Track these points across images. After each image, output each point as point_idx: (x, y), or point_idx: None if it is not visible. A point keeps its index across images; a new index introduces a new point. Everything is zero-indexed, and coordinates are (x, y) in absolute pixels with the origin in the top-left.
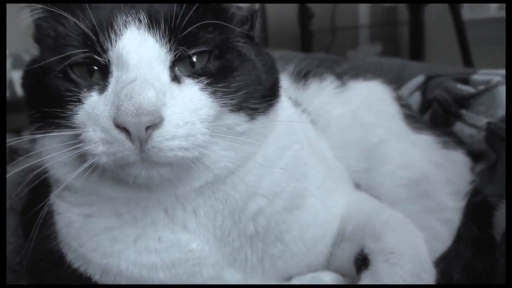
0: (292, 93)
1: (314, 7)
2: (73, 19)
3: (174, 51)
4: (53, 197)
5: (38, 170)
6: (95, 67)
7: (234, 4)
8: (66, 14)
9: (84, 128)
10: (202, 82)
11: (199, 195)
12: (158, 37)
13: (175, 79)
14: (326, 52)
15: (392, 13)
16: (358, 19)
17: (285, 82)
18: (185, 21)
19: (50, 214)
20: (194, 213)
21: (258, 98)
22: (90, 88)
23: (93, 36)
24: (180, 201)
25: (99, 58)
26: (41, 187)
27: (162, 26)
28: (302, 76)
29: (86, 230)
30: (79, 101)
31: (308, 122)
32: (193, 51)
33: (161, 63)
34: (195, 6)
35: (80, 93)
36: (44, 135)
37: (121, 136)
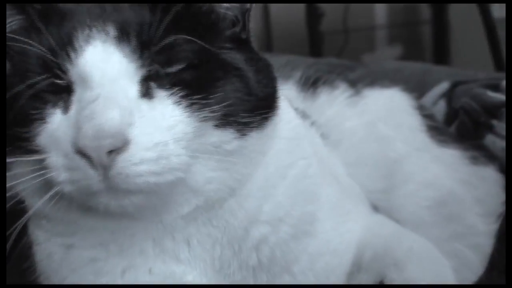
0: (299, 104)
1: (324, 5)
2: (26, 40)
3: (148, 67)
4: (31, 226)
5: (15, 199)
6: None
7: (220, 5)
8: (20, 38)
9: (48, 152)
10: (176, 95)
11: (190, 223)
12: (127, 51)
13: (146, 94)
14: (338, 57)
15: (413, 12)
16: (375, 18)
17: (291, 91)
18: (158, 32)
19: (28, 245)
20: (186, 243)
21: (249, 111)
22: (55, 105)
23: (50, 57)
24: (168, 230)
25: (59, 82)
26: (15, 216)
27: (132, 38)
28: (311, 84)
29: (68, 262)
30: (43, 119)
31: (317, 135)
32: (169, 70)
33: (129, 77)
34: (172, 11)
35: (44, 109)
36: (12, 160)
37: (82, 163)
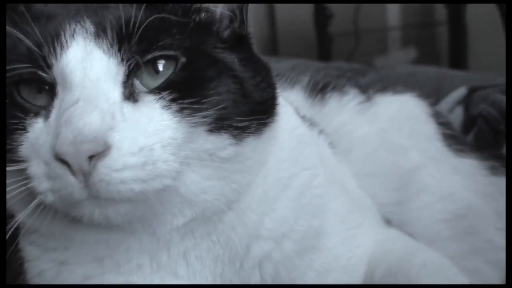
0: (306, 111)
1: (333, 5)
2: (14, 32)
3: (127, 61)
4: (21, 241)
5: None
6: (46, 87)
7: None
8: (10, 29)
9: (29, 161)
10: (164, 99)
11: (187, 236)
12: (105, 47)
13: (131, 96)
14: (348, 60)
15: (428, 12)
16: (387, 19)
17: (298, 98)
18: (137, 25)
19: (20, 261)
20: (183, 258)
21: (245, 115)
22: (37, 114)
23: (35, 49)
24: (163, 244)
25: (43, 75)
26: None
27: (109, 33)
28: (319, 89)
29: (61, 280)
30: (25, 129)
31: (325, 144)
32: (149, 56)
33: (112, 79)
34: (158, 9)
35: (25, 119)
36: None
37: (63, 170)
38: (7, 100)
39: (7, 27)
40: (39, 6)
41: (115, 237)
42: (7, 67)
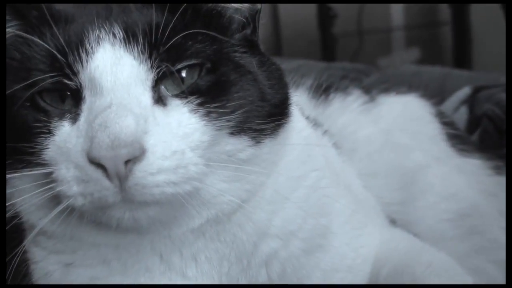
0: (311, 112)
1: (337, 5)
2: (36, 39)
3: (157, 68)
4: (28, 243)
5: (10, 214)
6: (68, 92)
7: (231, 6)
8: (28, 36)
9: (56, 165)
10: (192, 103)
11: (199, 237)
12: (136, 54)
13: (159, 101)
14: (352, 61)
15: (432, 12)
16: (391, 19)
17: (302, 98)
18: (167, 31)
19: (25, 264)
20: (193, 259)
21: (263, 117)
22: (62, 117)
23: (61, 57)
24: (176, 245)
25: (69, 82)
26: (13, 233)
27: (140, 40)
28: (323, 90)
29: (67, 281)
30: (50, 132)
31: (330, 145)
32: (179, 66)
33: (142, 84)
34: (180, 11)
35: (50, 123)
36: (13, 175)
37: (97, 174)
38: (27, 104)
39: (23, 33)
40: (56, 7)
41: (126, 240)
42: (30, 80)
